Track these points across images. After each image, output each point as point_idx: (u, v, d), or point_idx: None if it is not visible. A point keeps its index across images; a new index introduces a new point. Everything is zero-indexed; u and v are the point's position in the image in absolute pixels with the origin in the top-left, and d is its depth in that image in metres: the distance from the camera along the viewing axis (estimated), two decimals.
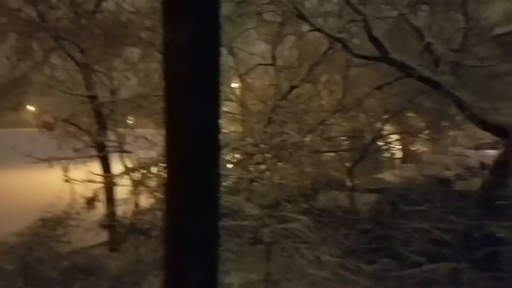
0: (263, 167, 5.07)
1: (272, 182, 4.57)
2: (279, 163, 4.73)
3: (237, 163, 6.50)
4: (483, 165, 10.61)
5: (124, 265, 6.92)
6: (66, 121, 8.86)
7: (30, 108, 11.18)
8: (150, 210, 6.85)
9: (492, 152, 9.42)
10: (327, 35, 8.63)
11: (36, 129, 8.73)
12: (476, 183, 8.69)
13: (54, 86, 9.02)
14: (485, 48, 8.30)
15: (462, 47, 8.41)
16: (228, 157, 6.60)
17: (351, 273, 4.41)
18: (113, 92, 9.39)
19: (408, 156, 17.73)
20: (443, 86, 7.47)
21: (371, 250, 6.01)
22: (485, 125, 7.69)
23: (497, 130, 7.47)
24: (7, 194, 10.06)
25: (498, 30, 5.79)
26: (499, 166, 7.08)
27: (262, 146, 5.05)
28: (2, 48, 8.35)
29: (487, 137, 9.33)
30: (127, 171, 7.54)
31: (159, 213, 6.79)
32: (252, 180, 5.49)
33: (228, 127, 9.18)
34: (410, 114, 11.96)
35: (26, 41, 8.62)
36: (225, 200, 5.37)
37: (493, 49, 7.62)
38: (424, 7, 9.00)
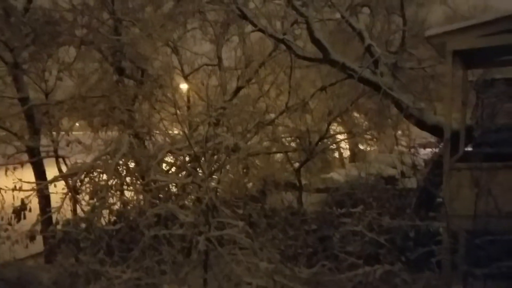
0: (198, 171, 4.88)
1: (208, 187, 4.37)
2: (213, 167, 4.56)
3: (172, 168, 6.29)
4: (426, 164, 10.98)
5: (56, 277, 6.48)
6: None
7: None
8: (83, 218, 6.45)
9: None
10: (271, 36, 8.59)
11: None
12: (418, 181, 8.94)
13: None
14: (423, 50, 8.53)
15: (400, 49, 8.61)
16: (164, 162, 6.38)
17: (287, 280, 4.32)
18: (46, 94, 8.83)
19: (356, 155, 18.23)
20: (382, 87, 7.59)
21: (311, 253, 6.00)
22: (422, 125, 7.90)
23: (434, 129, 7.68)
24: None
25: (430, 32, 5.93)
26: (436, 164, 7.28)
27: (196, 149, 4.88)
28: None
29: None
30: (60, 177, 7.08)
31: (94, 221, 6.45)
32: (185, 186, 5.30)
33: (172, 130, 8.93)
34: (355, 114, 12.22)
35: None
36: (158, 208, 5.16)
37: (430, 51, 7.83)
38: (365, 10, 9.15)
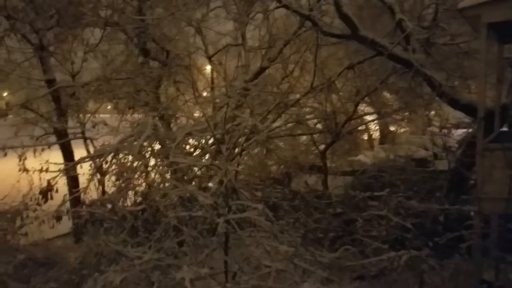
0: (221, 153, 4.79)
1: (227, 170, 4.27)
2: (234, 150, 4.46)
3: (196, 150, 6.22)
4: (459, 145, 10.52)
5: (83, 257, 6.59)
6: (22, 106, 8.38)
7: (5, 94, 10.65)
8: (109, 199, 6.52)
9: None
10: (296, 12, 8.32)
11: None
12: (450, 163, 8.60)
13: (9, 70, 8.48)
14: (457, 25, 8.06)
15: (433, 23, 8.16)
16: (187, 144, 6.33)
17: (308, 264, 4.21)
18: (73, 76, 8.91)
19: (386, 137, 17.74)
20: (414, 65, 7.22)
21: (334, 237, 5.86)
22: (455, 104, 7.51)
23: (468, 108, 7.28)
24: None
25: (463, 3, 5.52)
26: (469, 145, 6.92)
27: (216, 131, 4.78)
28: None
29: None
30: (86, 158, 7.16)
31: (119, 202, 6.50)
32: (206, 168, 5.23)
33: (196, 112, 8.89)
34: (385, 94, 11.81)
35: None
36: (179, 189, 5.12)
37: (465, 26, 7.37)
38: None
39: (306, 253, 4.43)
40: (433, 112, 11.43)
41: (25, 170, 7.59)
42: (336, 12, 8.10)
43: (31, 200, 7.37)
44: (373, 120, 12.83)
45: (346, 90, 10.49)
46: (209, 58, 9.87)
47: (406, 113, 11.75)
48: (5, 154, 7.64)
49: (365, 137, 16.44)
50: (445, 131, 8.82)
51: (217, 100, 6.99)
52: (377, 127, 16.84)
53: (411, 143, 13.83)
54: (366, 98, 10.54)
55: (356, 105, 9.93)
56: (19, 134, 8.11)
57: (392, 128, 17.31)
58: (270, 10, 8.71)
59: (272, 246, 4.32)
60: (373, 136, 17.87)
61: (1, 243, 6.75)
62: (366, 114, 11.79)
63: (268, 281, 4.08)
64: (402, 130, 17.72)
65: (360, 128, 12.92)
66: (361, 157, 13.69)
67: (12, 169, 7.64)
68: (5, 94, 10.06)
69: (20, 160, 7.69)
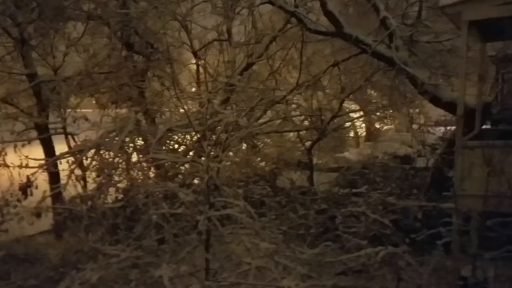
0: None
1: (208, 166, 4.24)
2: (217, 146, 4.42)
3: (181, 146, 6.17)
4: (441, 142, 10.64)
5: (63, 254, 6.53)
6: (3, 101, 8.22)
7: None
8: (89, 196, 6.43)
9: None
10: (281, 8, 8.30)
11: None
12: (431, 160, 8.68)
13: None
14: (440, 23, 8.12)
15: (417, 21, 8.21)
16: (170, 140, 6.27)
17: (288, 260, 4.21)
18: (55, 71, 8.76)
19: (371, 134, 17.87)
20: (397, 62, 7.26)
21: (318, 233, 5.88)
22: (438, 102, 7.57)
23: (449, 106, 7.35)
24: None
25: (444, 1, 5.55)
26: (450, 143, 6.99)
27: (197, 127, 4.73)
28: None
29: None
30: (66, 154, 7.05)
31: (99, 199, 6.43)
32: (190, 165, 5.19)
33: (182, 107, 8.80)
34: (369, 91, 11.88)
35: None
36: (159, 186, 5.07)
37: (448, 24, 7.43)
38: None
39: (286, 249, 4.42)
40: (416, 110, 11.53)
41: (5, 165, 7.46)
42: (321, 9, 8.12)
43: (11, 196, 7.25)
44: (358, 118, 12.89)
45: (332, 87, 10.52)
46: (194, 53, 9.79)
47: (390, 111, 11.82)
48: None
49: (351, 134, 16.53)
50: (427, 128, 8.88)
51: (202, 96, 6.93)
52: (363, 125, 16.96)
53: (395, 141, 13.94)
54: (351, 95, 10.58)
55: (341, 103, 9.95)
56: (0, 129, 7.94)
57: (377, 126, 17.45)
58: (256, 6, 8.67)
59: (253, 243, 4.30)
60: (359, 133, 17.99)
61: None
62: (351, 111, 11.84)
63: (248, 278, 4.07)
64: (386, 127, 17.88)
65: (345, 125, 12.97)
66: (346, 154, 13.78)
67: None
68: None
69: (0, 156, 7.56)
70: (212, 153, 4.61)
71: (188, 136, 7.36)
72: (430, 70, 8.08)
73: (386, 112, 12.00)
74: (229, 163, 6.32)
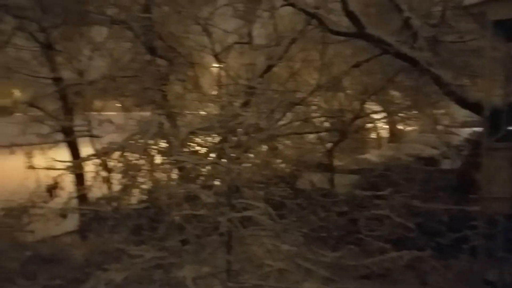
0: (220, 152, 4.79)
1: (229, 168, 4.27)
2: (238, 148, 4.44)
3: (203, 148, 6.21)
4: (467, 144, 10.42)
5: (88, 254, 6.65)
6: (30, 104, 8.46)
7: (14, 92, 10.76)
8: (114, 197, 6.55)
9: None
10: (302, 10, 8.28)
11: None
12: (457, 162, 8.52)
13: (17, 68, 8.57)
14: (465, 23, 7.96)
15: (441, 21, 8.07)
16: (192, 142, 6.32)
17: (310, 263, 4.19)
18: (79, 74, 8.97)
19: (394, 136, 17.60)
20: (420, 63, 7.15)
21: (339, 236, 5.83)
22: (463, 103, 7.42)
23: (475, 107, 7.19)
24: None
25: (469, 0, 5.43)
26: (476, 145, 6.84)
27: (219, 130, 4.77)
28: None
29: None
30: (91, 156, 7.20)
31: (124, 200, 6.54)
32: (212, 166, 5.22)
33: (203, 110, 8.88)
34: (392, 92, 11.72)
35: None
36: (182, 188, 5.13)
37: (473, 23, 7.28)
38: None
39: (308, 252, 4.41)
40: (440, 111, 11.34)
41: (32, 167, 7.66)
42: (342, 10, 8.06)
43: (38, 197, 7.45)
44: (380, 119, 12.73)
45: (353, 88, 10.44)
46: (216, 56, 9.86)
47: (414, 112, 11.65)
48: (13, 152, 7.70)
49: (373, 135, 16.34)
50: (452, 129, 8.71)
51: (223, 99, 6.98)
52: (385, 126, 16.74)
53: (419, 142, 13.73)
54: (373, 96, 10.47)
55: (363, 104, 9.86)
56: (27, 131, 8.16)
57: (400, 127, 17.19)
58: (277, 8, 8.68)
59: (274, 245, 4.30)
60: (381, 135, 17.76)
61: (8, 240, 6.83)
62: (373, 112, 11.70)
63: (269, 280, 4.08)
64: (410, 128, 17.60)
65: (367, 126, 12.84)
66: (368, 156, 13.62)
67: (20, 166, 7.72)
68: (13, 91, 10.16)
69: (27, 158, 7.77)
70: (232, 155, 4.65)
71: (209, 138, 7.43)
72: (454, 71, 7.93)
73: (409, 113, 11.82)
74: (249, 165, 6.32)
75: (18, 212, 7.23)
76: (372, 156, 13.33)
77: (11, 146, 7.64)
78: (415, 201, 5.50)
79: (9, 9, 7.82)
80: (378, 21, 9.05)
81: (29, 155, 7.79)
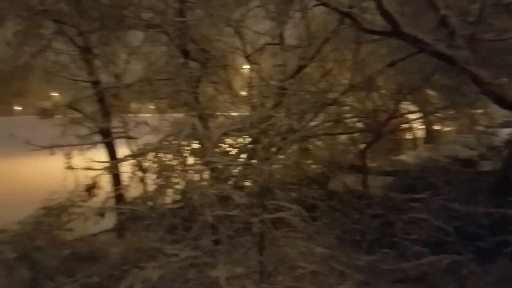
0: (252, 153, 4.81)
1: (262, 169, 4.29)
2: (270, 149, 4.45)
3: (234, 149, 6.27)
4: (507, 145, 10.03)
5: (124, 252, 6.81)
6: (69, 107, 8.76)
7: (54, 95, 11.20)
8: (149, 196, 6.70)
9: None
10: (335, 9, 8.19)
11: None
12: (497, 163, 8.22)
13: (57, 72, 8.91)
14: (504, 20, 7.66)
15: (479, 19, 7.78)
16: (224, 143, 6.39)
17: (344, 266, 4.15)
18: (116, 77, 9.22)
19: (430, 136, 17.15)
20: (458, 62, 6.93)
21: (373, 239, 5.73)
22: (503, 102, 7.14)
23: None
24: (10, 182, 10.21)
25: None
26: None
27: (252, 131, 4.79)
28: (3, 33, 8.24)
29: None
30: (128, 157, 7.39)
31: (159, 200, 6.67)
32: (242, 167, 5.26)
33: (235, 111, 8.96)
34: (428, 92, 11.43)
35: (28, 25, 8.46)
36: (214, 188, 5.18)
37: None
38: None
39: (342, 255, 4.37)
40: (479, 111, 10.97)
41: (71, 168, 7.93)
42: (376, 8, 7.92)
43: (76, 196, 7.71)
44: (416, 119, 12.43)
45: (388, 88, 10.24)
46: (247, 58, 9.91)
47: (451, 112, 11.31)
48: (53, 153, 7.99)
49: (408, 136, 15.98)
50: (491, 130, 8.40)
51: (254, 100, 7.02)
52: (421, 126, 16.33)
53: (456, 143, 13.33)
54: (409, 96, 10.25)
55: (398, 103, 9.66)
56: (66, 133, 8.46)
57: (436, 127, 16.74)
58: (309, 8, 8.63)
59: (307, 247, 4.29)
60: (417, 135, 17.34)
61: (48, 238, 7.10)
62: (408, 112, 11.44)
63: (303, 282, 4.06)
64: (446, 129, 17.10)
65: (402, 127, 12.57)
66: (403, 157, 13.34)
67: (59, 167, 8.01)
68: (53, 94, 10.58)
69: (66, 158, 8.05)
70: (264, 156, 4.66)
71: (239, 139, 7.48)
72: (493, 69, 7.64)
73: (446, 113, 11.49)
74: (280, 166, 6.33)
75: (58, 211, 7.52)
76: (407, 157, 13.07)
77: (51, 147, 7.92)
78: (453, 204, 5.33)
79: (49, 14, 8.13)
80: (413, 20, 8.86)
81: (68, 156, 8.06)
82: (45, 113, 7.97)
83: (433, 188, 7.54)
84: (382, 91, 9.96)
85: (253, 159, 5.18)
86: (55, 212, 7.39)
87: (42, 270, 6.71)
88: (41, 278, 6.52)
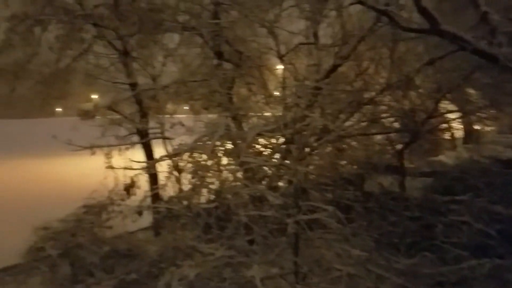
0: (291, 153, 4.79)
1: (296, 170, 4.27)
2: (304, 149, 4.42)
3: (267, 149, 6.27)
4: None
5: (161, 250, 6.96)
6: (109, 108, 9.03)
7: (94, 97, 11.59)
8: (185, 196, 6.81)
9: None
10: (372, 8, 8.06)
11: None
12: None
13: (97, 74, 9.20)
14: None
15: None
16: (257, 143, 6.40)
17: (382, 269, 4.07)
18: (153, 79, 9.44)
19: (470, 136, 16.57)
20: (499, 59, 6.67)
21: (411, 242, 5.59)
22: None
23: None
24: (52, 181, 10.65)
25: None
26: None
27: (286, 131, 4.78)
28: (46, 38, 8.58)
29: None
30: (164, 157, 7.54)
31: (194, 199, 6.76)
32: (275, 168, 5.25)
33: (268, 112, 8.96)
34: (469, 91, 11.05)
35: (69, 30, 8.78)
36: (250, 188, 5.20)
37: None
38: None
39: (379, 258, 4.29)
40: None
41: (111, 167, 8.17)
42: (414, 6, 7.74)
43: (116, 195, 7.94)
44: (455, 118, 12.04)
45: (426, 86, 9.98)
46: (281, 58, 9.90)
47: (492, 111, 10.89)
48: (94, 153, 8.26)
49: (447, 136, 15.51)
50: None
51: (288, 100, 7.00)
52: (460, 126, 15.82)
53: (497, 143, 12.83)
54: (448, 95, 9.94)
55: (437, 103, 9.38)
56: (106, 134, 8.72)
57: (476, 127, 16.17)
58: (344, 7, 8.53)
59: (343, 250, 4.24)
60: (456, 135, 16.82)
61: (89, 235, 7.34)
62: (448, 112, 11.10)
63: (339, 285, 4.02)
64: (487, 129, 16.49)
65: (441, 126, 12.21)
66: (442, 158, 12.97)
67: (100, 166, 8.27)
68: (93, 96, 10.94)
69: (106, 158, 8.30)
70: (299, 156, 4.63)
71: (273, 140, 7.48)
72: None
73: (487, 112, 11.07)
74: (315, 166, 6.29)
75: (98, 209, 7.77)
76: (446, 158, 12.69)
77: (91, 148, 8.19)
78: (495, 206, 5.13)
79: (90, 18, 8.42)
80: (453, 17, 8.60)
81: (108, 156, 8.30)
82: (86, 115, 8.25)
83: (473, 190, 7.29)
84: (420, 90, 9.70)
85: (286, 160, 5.16)
86: (95, 210, 7.63)
87: (83, 266, 6.95)
88: (82, 274, 6.75)
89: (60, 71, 9.05)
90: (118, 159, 8.30)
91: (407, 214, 7.07)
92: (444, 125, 12.72)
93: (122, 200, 8.03)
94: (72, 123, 8.53)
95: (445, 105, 11.15)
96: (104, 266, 6.94)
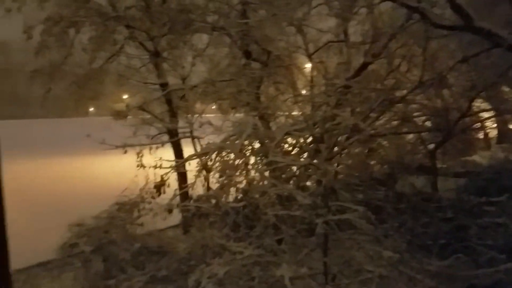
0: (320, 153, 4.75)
1: (326, 170, 4.23)
2: (333, 149, 4.37)
3: (295, 149, 6.24)
4: None
5: (190, 248, 7.03)
6: (140, 108, 9.20)
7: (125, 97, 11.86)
8: (213, 194, 6.86)
9: None
10: (403, 5, 7.90)
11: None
12: None
13: (128, 75, 9.39)
14: None
15: None
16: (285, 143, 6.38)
17: (414, 271, 3.98)
18: (183, 80, 9.56)
19: (505, 136, 16.01)
20: None
21: (444, 244, 5.44)
22: None
23: None
24: (86, 179, 10.94)
25: None
26: None
27: (315, 130, 4.74)
28: (80, 39, 8.82)
29: None
30: (193, 156, 7.62)
31: (222, 198, 6.80)
32: (304, 168, 5.22)
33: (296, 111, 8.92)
34: (505, 89, 10.69)
35: (102, 31, 8.98)
36: (278, 188, 5.19)
37: None
38: None
39: (411, 259, 4.20)
40: None
41: (142, 166, 8.32)
42: (447, 2, 7.54)
43: (146, 193, 8.08)
44: (490, 117, 11.66)
45: (460, 84, 9.70)
46: (309, 57, 9.82)
47: None
48: (125, 152, 8.43)
49: (481, 135, 15.04)
50: None
51: (317, 99, 6.94)
52: (495, 125, 15.31)
53: None
54: (482, 93, 9.64)
55: (471, 101, 9.11)
56: (137, 133, 8.89)
57: (511, 126, 15.61)
58: (375, 4, 8.39)
59: (374, 251, 4.17)
60: (490, 135, 16.28)
61: (121, 232, 7.50)
62: (482, 110, 10.76)
63: (370, 286, 3.96)
64: None
65: (475, 126, 11.85)
66: (476, 158, 12.58)
67: (131, 165, 8.44)
68: (124, 97, 11.17)
69: (137, 157, 8.46)
70: (328, 156, 4.59)
71: (301, 139, 7.44)
72: None
73: None
74: (344, 166, 6.21)
75: (130, 207, 7.92)
76: (480, 158, 12.30)
77: (124, 147, 8.36)
78: None
79: (122, 20, 8.59)
80: (488, 13, 8.34)
81: (139, 154, 8.46)
82: (119, 114, 8.42)
83: (508, 191, 7.05)
84: (454, 88, 9.44)
85: (315, 159, 5.12)
86: (127, 208, 7.78)
87: (115, 262, 7.10)
88: (114, 270, 6.90)
89: (93, 72, 9.28)
90: (149, 158, 8.44)
91: (440, 215, 6.89)
92: (478, 124, 12.34)
93: (153, 198, 8.15)
94: (104, 123, 8.72)
95: (479, 103, 10.82)
96: (135, 262, 7.07)
